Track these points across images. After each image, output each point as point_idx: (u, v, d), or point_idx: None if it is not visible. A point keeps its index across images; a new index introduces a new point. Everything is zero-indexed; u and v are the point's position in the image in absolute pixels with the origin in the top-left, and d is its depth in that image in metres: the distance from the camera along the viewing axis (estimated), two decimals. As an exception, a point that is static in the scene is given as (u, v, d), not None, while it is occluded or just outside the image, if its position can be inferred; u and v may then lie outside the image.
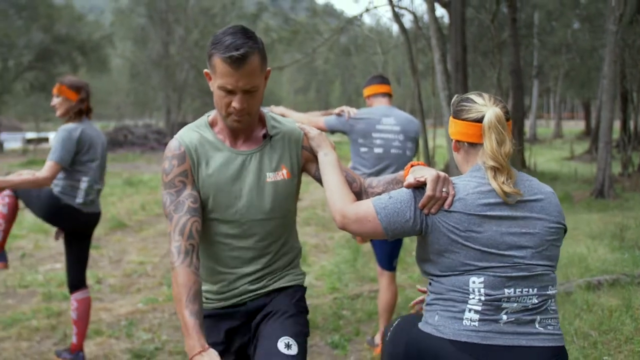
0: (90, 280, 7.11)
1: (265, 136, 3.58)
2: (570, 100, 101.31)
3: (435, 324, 3.21)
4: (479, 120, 3.25)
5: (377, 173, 6.87)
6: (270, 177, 3.50)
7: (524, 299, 3.13)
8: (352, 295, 9.51)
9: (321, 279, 10.53)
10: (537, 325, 3.15)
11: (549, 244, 3.24)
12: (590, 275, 9.68)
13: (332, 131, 7.16)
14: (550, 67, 50.76)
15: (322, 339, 7.78)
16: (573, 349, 6.90)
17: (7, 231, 6.83)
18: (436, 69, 20.79)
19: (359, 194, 3.72)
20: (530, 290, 3.15)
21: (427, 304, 3.35)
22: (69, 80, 6.71)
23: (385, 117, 6.94)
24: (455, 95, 3.49)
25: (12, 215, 6.76)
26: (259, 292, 3.67)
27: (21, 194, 6.68)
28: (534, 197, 3.23)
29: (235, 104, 3.29)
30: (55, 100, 6.68)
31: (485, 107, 3.25)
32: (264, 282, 3.67)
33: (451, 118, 3.43)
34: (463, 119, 3.30)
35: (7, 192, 6.60)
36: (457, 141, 3.39)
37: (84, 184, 6.62)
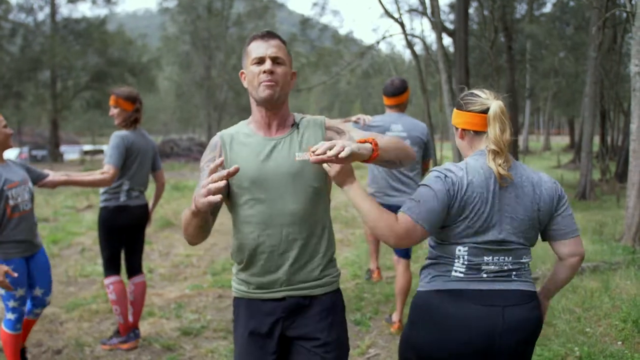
0: (143, 270, 7.14)
1: (293, 124, 3.47)
2: (557, 117, 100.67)
3: (428, 281, 3.36)
4: (484, 111, 3.33)
5: (390, 177, 7.02)
6: (299, 156, 3.34)
7: (500, 264, 3.27)
8: (372, 280, 9.55)
9: (345, 267, 10.50)
10: (512, 277, 3.30)
11: (527, 226, 3.32)
12: (575, 263, 9.75)
13: None
14: (541, 89, 50.36)
15: (347, 317, 7.78)
16: (560, 322, 7.03)
17: (125, 311, 6.86)
18: (443, 89, 20.95)
19: None
20: (506, 258, 3.28)
21: (423, 268, 3.47)
22: (123, 92, 6.71)
23: (394, 124, 6.99)
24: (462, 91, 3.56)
25: (122, 297, 6.80)
26: (297, 287, 3.38)
27: (107, 263, 6.76)
28: (522, 183, 3.32)
29: (265, 67, 3.26)
30: (114, 111, 6.69)
31: (488, 100, 3.34)
32: (302, 272, 3.37)
33: (456, 110, 3.47)
34: (469, 111, 3.37)
35: (112, 279, 6.70)
36: (464, 130, 3.44)
37: (125, 186, 6.62)
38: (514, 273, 3.31)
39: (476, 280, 3.24)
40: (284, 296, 3.38)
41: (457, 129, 3.50)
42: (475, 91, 3.43)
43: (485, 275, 3.25)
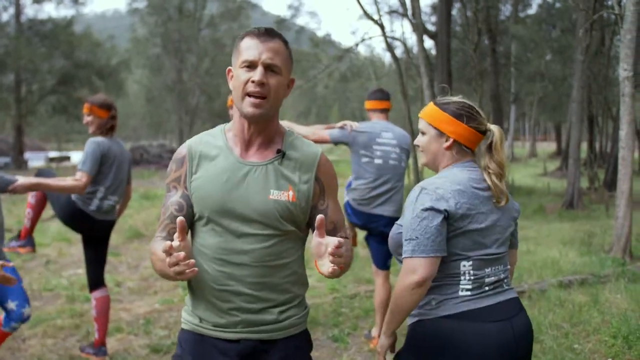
0: (110, 283, 7.04)
1: (278, 151, 3.08)
2: (544, 123, 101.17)
3: (433, 307, 3.29)
4: (483, 132, 3.40)
5: (378, 184, 6.99)
6: (274, 194, 2.99)
7: (497, 275, 3.34)
8: (350, 294, 9.50)
9: (322, 280, 10.46)
10: (504, 286, 3.39)
11: (509, 234, 3.46)
12: (562, 276, 9.82)
13: (336, 143, 7.22)
14: (526, 93, 50.67)
15: (324, 333, 7.79)
16: (547, 339, 7.03)
17: (35, 219, 6.93)
18: (425, 93, 20.92)
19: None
20: (500, 267, 3.36)
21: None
22: (97, 100, 6.67)
23: (385, 132, 7.02)
24: (459, 97, 3.53)
25: (40, 205, 6.87)
26: (255, 330, 3.07)
27: (48, 193, 6.68)
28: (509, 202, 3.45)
29: (255, 76, 2.90)
30: (87, 119, 6.64)
31: (485, 121, 3.42)
32: (260, 314, 3.07)
33: (452, 119, 3.40)
34: (472, 127, 3.38)
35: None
36: (456, 141, 3.42)
37: (99, 193, 6.55)
38: (505, 281, 3.42)
39: (482, 297, 3.28)
40: (239, 338, 3.07)
41: (442, 135, 3.45)
42: (474, 105, 3.46)
43: (487, 289, 3.31)
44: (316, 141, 7.33)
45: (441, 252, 3.16)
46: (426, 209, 3.18)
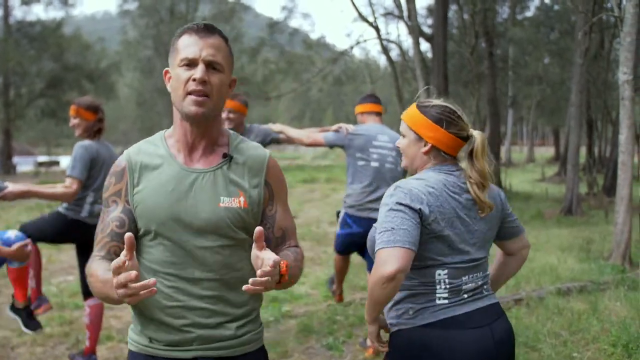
0: None
1: (225, 156, 2.96)
2: (542, 127, 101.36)
3: (411, 316, 3.28)
4: (465, 138, 3.35)
5: (375, 188, 6.99)
6: (224, 201, 2.87)
7: (475, 281, 3.32)
8: (345, 302, 9.41)
9: (316, 288, 10.52)
10: (484, 292, 3.38)
11: (490, 237, 3.45)
12: (561, 283, 9.81)
13: (331, 146, 7.24)
14: (524, 97, 50.61)
15: (318, 341, 7.78)
16: (546, 347, 7.02)
17: (38, 276, 6.88)
18: (420, 97, 20.90)
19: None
20: (478, 274, 3.34)
21: (395, 303, 3.37)
22: (84, 102, 6.65)
23: (381, 135, 7.02)
24: (442, 100, 3.46)
25: (37, 261, 6.82)
26: (211, 347, 2.93)
27: (32, 230, 6.54)
28: None
29: (196, 74, 2.77)
30: (74, 121, 6.63)
31: (468, 126, 3.36)
32: (217, 329, 2.92)
33: (431, 123, 3.36)
34: (452, 132, 3.32)
35: (26, 240, 6.41)
36: (434, 147, 3.36)
37: (89, 198, 6.53)
38: (485, 287, 3.41)
39: (460, 304, 3.26)
40: (194, 357, 2.92)
41: (421, 139, 3.42)
42: (457, 111, 3.40)
43: (466, 296, 3.29)
44: (311, 145, 7.35)
45: (416, 246, 3.10)
46: (402, 204, 3.16)
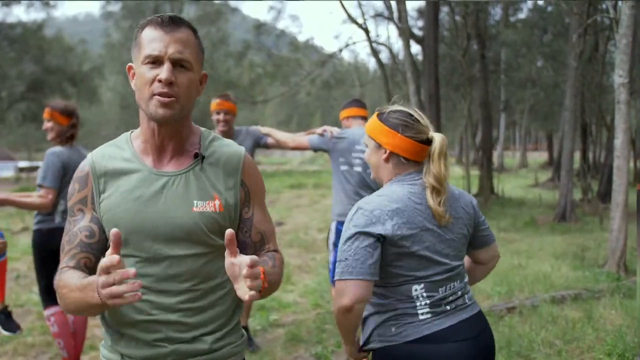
0: None
1: (196, 155, 2.79)
2: (535, 132, 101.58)
3: (394, 333, 3.25)
4: (423, 141, 3.30)
5: (359, 193, 6.93)
6: (198, 206, 2.71)
7: (455, 291, 3.33)
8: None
9: (305, 296, 10.52)
10: (467, 301, 3.39)
11: (462, 244, 3.44)
12: (555, 291, 9.81)
13: (316, 150, 7.26)
14: (517, 101, 50.82)
15: (307, 350, 7.80)
16: (540, 357, 7.04)
17: (71, 346, 6.78)
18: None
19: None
20: (456, 284, 3.34)
21: (378, 325, 3.33)
22: (59, 105, 6.62)
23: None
24: (400, 105, 3.46)
25: (65, 329, 6.71)
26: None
27: (46, 282, 6.56)
28: (453, 205, 3.38)
29: (162, 74, 2.56)
30: (47, 125, 6.59)
31: (428, 129, 3.33)
32: (193, 343, 2.77)
33: (387, 129, 3.34)
34: (408, 136, 3.29)
35: (52, 310, 6.53)
36: (393, 153, 3.35)
37: (60, 206, 6.47)
38: (467, 296, 3.43)
39: (443, 317, 3.27)
40: None
41: (380, 147, 3.41)
42: (414, 114, 3.38)
43: (448, 308, 3.30)
44: (295, 148, 7.38)
45: (372, 276, 3.12)
46: (359, 232, 3.16)
